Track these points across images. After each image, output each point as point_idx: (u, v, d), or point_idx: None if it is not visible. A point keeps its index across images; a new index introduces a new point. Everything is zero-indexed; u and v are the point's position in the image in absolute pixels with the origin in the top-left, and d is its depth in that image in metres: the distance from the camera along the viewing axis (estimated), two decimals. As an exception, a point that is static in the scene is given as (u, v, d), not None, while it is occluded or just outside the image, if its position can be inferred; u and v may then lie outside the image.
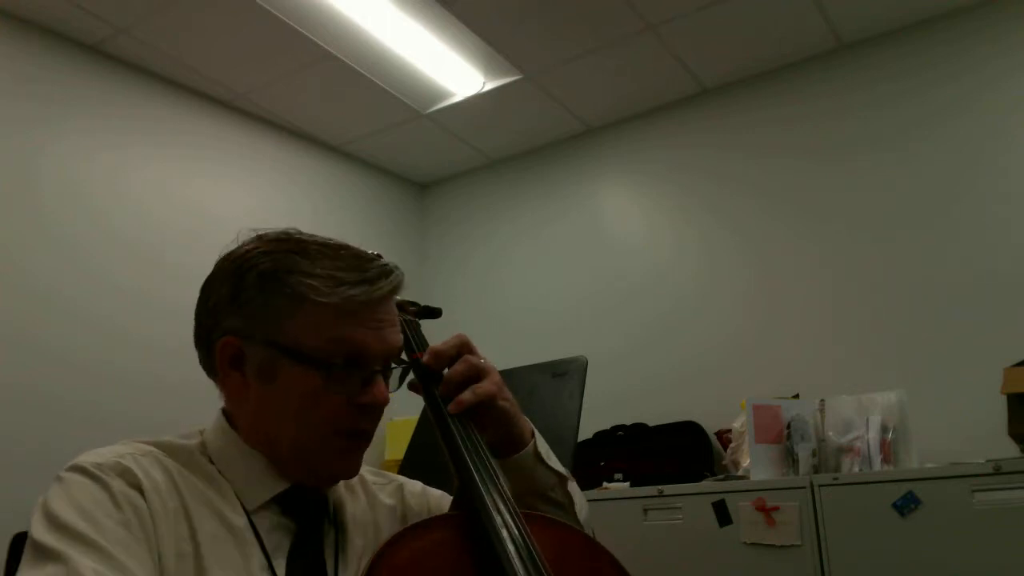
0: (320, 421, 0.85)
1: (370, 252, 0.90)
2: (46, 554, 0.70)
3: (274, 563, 0.81)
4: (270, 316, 0.85)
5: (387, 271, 0.87)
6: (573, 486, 0.99)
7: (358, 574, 0.72)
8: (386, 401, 0.88)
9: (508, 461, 0.91)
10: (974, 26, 2.78)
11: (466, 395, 0.89)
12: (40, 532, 0.72)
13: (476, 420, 0.90)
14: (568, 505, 0.96)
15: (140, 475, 0.78)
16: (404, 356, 0.99)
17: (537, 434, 0.96)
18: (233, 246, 0.90)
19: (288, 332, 0.84)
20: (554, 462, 0.96)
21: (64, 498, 0.74)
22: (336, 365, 0.84)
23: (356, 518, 0.92)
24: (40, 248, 2.53)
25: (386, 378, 0.89)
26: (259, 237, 0.90)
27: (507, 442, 0.92)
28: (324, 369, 0.83)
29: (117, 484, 0.76)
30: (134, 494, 0.76)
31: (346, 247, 0.89)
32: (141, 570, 0.71)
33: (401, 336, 0.91)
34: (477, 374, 0.91)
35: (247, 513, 0.83)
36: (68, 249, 2.60)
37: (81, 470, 0.77)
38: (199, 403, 0.95)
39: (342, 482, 0.95)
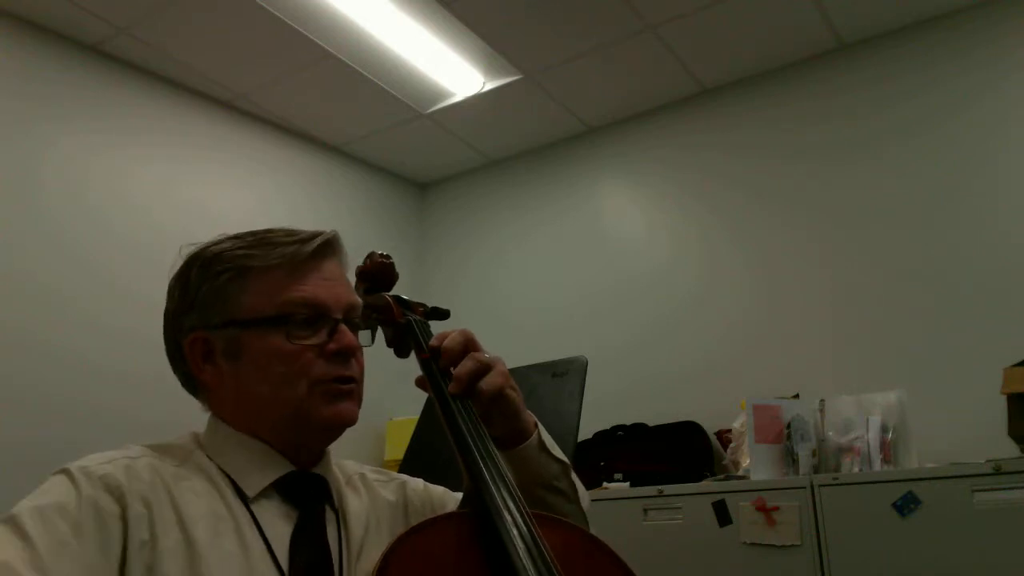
0: (295, 376, 0.87)
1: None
2: None
3: (276, 551, 0.82)
4: (221, 298, 0.89)
5: (319, 232, 0.92)
6: (573, 475, 1.00)
7: (370, 572, 0.73)
8: (354, 345, 0.91)
9: (514, 452, 0.92)
10: (973, 26, 2.78)
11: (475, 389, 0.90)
12: None
13: (484, 412, 0.91)
14: (572, 494, 0.97)
15: (124, 481, 0.79)
16: (414, 356, 1.00)
17: (540, 424, 0.97)
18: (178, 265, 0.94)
19: (241, 307, 0.89)
20: (557, 451, 0.97)
21: (34, 494, 0.77)
22: (294, 321, 0.88)
23: (356, 511, 0.93)
24: (40, 248, 2.54)
25: (353, 330, 0.92)
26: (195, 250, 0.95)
27: (513, 433, 0.93)
28: (282, 325, 0.87)
29: (90, 491, 0.76)
30: (108, 500, 0.77)
31: (277, 228, 0.94)
32: None
33: (356, 295, 0.95)
34: (485, 369, 0.91)
35: (247, 504, 0.84)
36: (68, 249, 2.60)
37: (64, 471, 0.79)
38: (199, 403, 0.96)
39: (343, 477, 0.96)
